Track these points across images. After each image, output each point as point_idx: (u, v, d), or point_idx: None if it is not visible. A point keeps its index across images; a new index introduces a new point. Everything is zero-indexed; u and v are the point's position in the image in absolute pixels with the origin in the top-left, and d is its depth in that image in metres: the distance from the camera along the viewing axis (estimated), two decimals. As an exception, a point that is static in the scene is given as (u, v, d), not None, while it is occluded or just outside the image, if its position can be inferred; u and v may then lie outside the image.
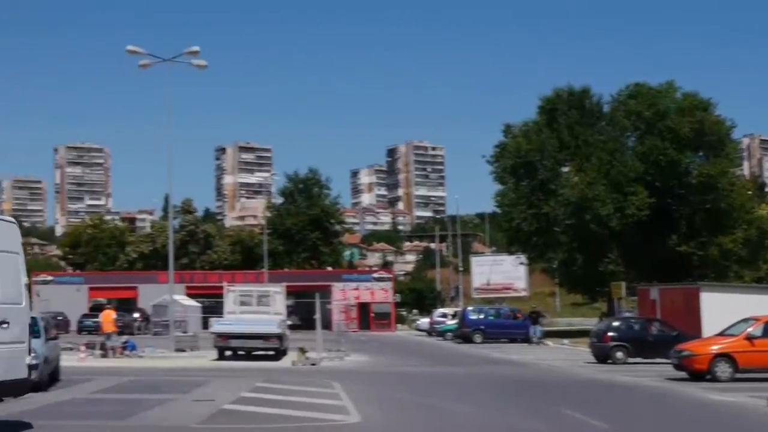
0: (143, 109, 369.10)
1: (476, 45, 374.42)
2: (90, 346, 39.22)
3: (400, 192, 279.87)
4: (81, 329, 67.17)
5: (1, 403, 19.09)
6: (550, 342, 53.85)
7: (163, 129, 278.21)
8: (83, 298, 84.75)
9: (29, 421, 16.54)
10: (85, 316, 71.54)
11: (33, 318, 25.52)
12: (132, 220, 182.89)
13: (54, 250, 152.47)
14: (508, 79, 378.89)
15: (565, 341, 53.22)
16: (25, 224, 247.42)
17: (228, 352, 37.72)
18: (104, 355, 37.96)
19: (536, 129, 64.99)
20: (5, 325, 14.68)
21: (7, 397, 15.84)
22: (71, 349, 38.22)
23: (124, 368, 32.48)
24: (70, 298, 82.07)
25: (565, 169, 64.46)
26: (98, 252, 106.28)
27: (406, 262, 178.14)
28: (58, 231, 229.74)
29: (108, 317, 39.40)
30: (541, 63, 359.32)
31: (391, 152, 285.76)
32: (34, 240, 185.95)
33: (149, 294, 73.73)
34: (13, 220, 16.24)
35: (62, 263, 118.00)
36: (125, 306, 74.74)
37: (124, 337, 42.37)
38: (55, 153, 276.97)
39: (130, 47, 41.55)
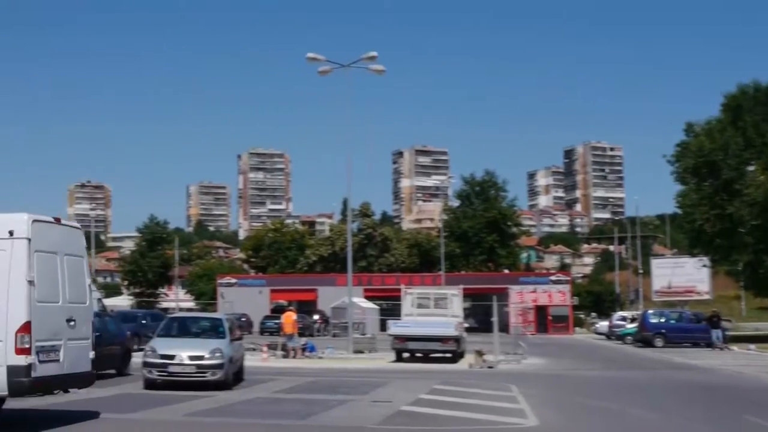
0: (322, 114, 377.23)
1: (655, 43, 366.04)
2: (272, 347, 40.18)
3: (578, 193, 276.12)
4: (263, 330, 68.89)
5: (198, 399, 19.87)
6: (735, 347, 51.99)
7: (341, 134, 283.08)
8: (265, 300, 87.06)
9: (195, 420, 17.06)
10: (267, 317, 73.33)
11: (218, 319, 26.41)
12: (311, 224, 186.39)
13: (237, 254, 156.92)
14: (688, 77, 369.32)
15: (752, 347, 51.27)
16: (210, 228, 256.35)
17: (405, 354, 37.95)
18: (285, 356, 38.82)
19: (720, 127, 62.85)
20: (72, 323, 16.03)
21: (74, 389, 17.06)
22: (254, 349, 39.30)
23: (304, 369, 33.12)
24: (253, 299, 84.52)
25: (751, 168, 62.07)
26: (279, 255, 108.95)
27: (584, 264, 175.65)
28: (241, 235, 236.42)
29: (289, 319, 40.25)
30: (724, 60, 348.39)
31: (569, 153, 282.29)
32: (218, 243, 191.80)
33: (328, 296, 75.18)
34: (78, 225, 17.29)
35: (245, 266, 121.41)
36: (305, 308, 76.25)
37: (304, 339, 43.20)
38: (239, 159, 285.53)
39: (310, 55, 42.44)
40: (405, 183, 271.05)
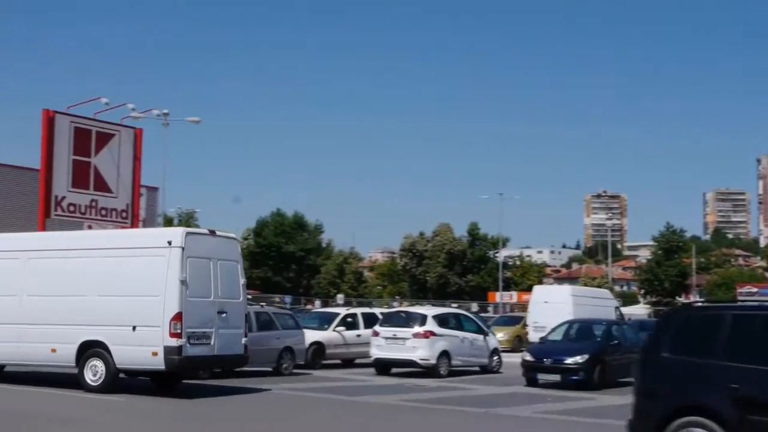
0: None
1: None
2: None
3: None
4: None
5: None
6: None
7: None
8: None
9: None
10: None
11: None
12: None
13: (758, 262, 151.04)
14: None
15: None
16: (729, 236, 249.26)
17: None
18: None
19: None
20: (224, 315, 19.78)
21: (228, 368, 22.51)
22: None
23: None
24: None
25: None
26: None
27: None
28: (762, 242, 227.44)
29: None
30: None
31: None
32: (737, 251, 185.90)
33: None
34: (234, 236, 21.67)
35: (767, 274, 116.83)
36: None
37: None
38: (758, 164, 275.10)
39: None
40: None
